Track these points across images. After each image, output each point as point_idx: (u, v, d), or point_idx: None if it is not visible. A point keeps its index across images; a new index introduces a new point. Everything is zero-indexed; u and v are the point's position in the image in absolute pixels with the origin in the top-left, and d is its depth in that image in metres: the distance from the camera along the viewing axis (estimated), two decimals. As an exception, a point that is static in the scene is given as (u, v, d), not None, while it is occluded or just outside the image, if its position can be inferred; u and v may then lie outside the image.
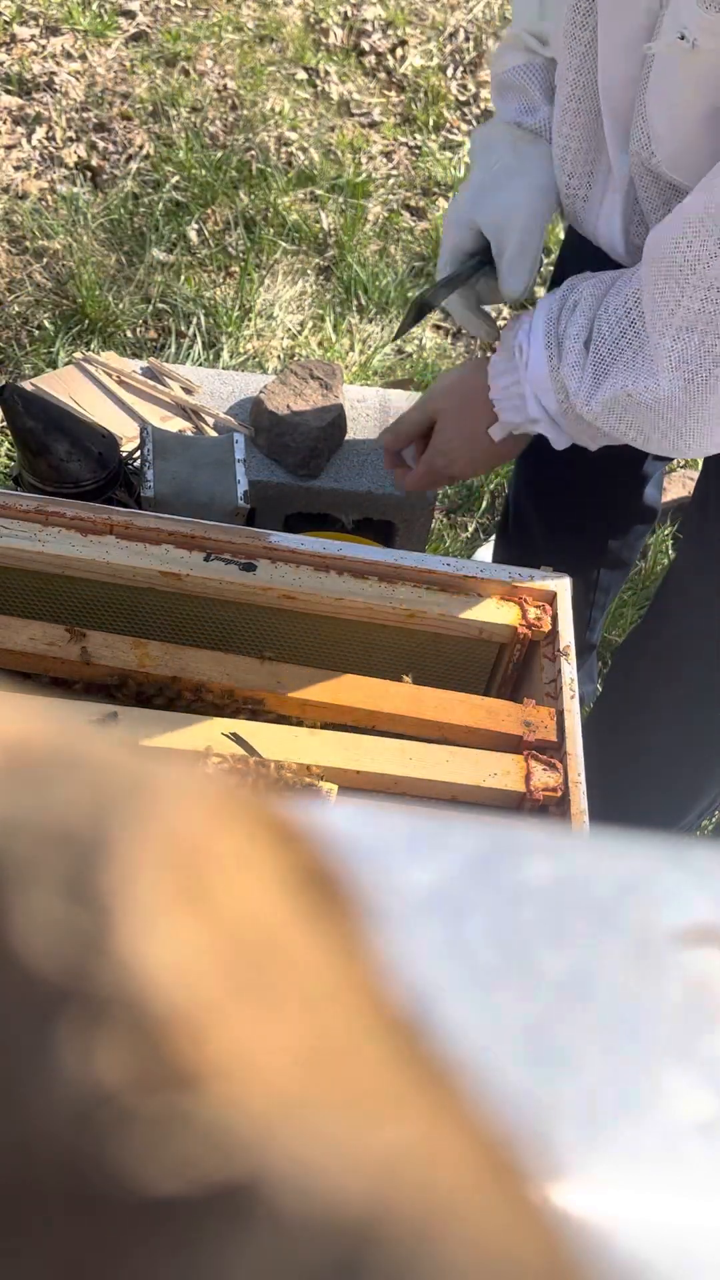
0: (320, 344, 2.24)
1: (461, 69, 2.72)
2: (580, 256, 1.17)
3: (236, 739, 0.90)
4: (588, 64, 1.01)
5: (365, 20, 2.76)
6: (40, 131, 2.48)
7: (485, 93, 2.64)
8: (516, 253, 1.10)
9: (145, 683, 0.96)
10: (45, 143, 2.47)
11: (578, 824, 0.92)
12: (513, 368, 1.09)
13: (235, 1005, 0.18)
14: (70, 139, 2.49)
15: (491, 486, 2.13)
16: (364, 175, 2.48)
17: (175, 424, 1.66)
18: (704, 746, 1.41)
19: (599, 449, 1.19)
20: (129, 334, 2.20)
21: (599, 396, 1.03)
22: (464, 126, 2.65)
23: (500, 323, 1.21)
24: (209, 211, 2.39)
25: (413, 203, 2.49)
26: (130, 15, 2.73)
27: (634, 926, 0.34)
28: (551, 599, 1.04)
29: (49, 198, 2.37)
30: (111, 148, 2.49)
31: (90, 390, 1.71)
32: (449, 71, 2.71)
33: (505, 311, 2.12)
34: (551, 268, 1.45)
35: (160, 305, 2.24)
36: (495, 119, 1.16)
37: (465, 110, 2.67)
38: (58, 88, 2.57)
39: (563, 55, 1.04)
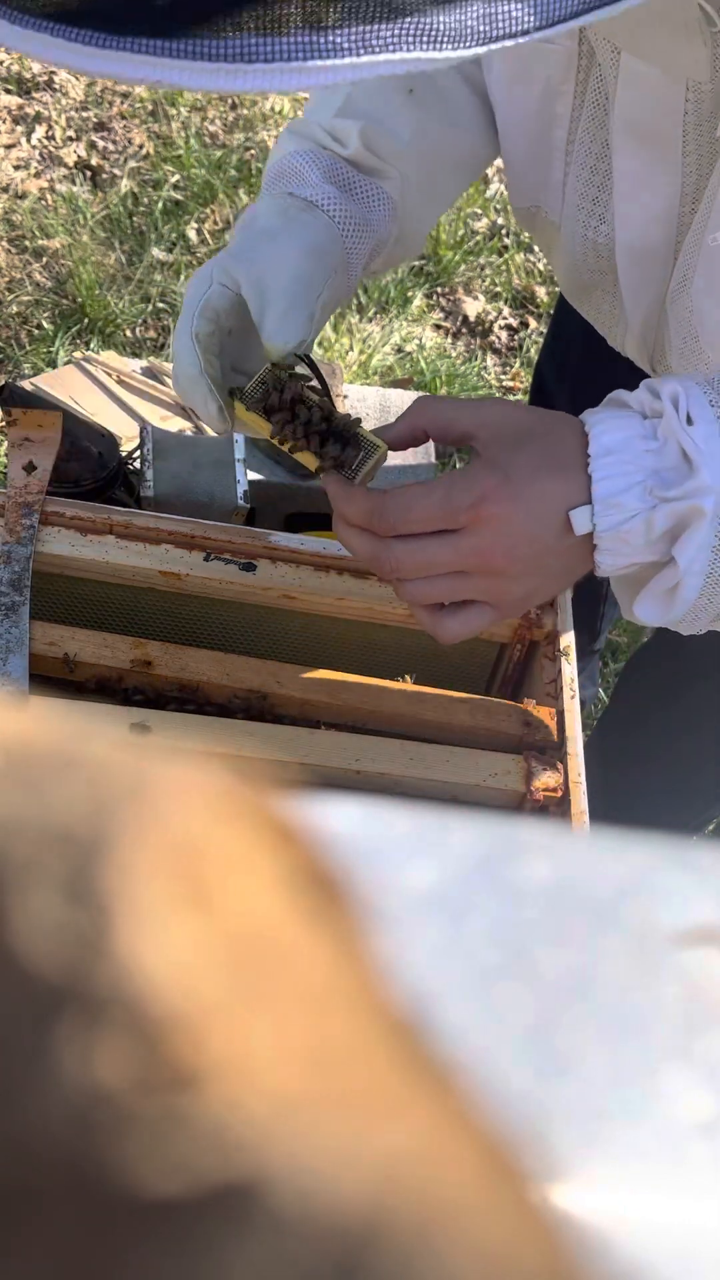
0: (320, 344, 2.24)
1: (461, 68, 2.72)
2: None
3: (306, 361, 0.84)
4: (604, 230, 0.94)
5: None
6: (40, 131, 2.48)
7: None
8: (286, 307, 0.84)
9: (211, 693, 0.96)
10: (45, 142, 2.47)
11: (578, 824, 0.92)
12: (647, 429, 0.76)
13: (235, 1006, 0.18)
14: (70, 138, 2.49)
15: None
16: (364, 175, 2.48)
17: (175, 424, 1.66)
18: (716, 761, 1.40)
19: None
20: (128, 333, 2.20)
21: None
22: (464, 126, 2.65)
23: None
24: (209, 211, 2.39)
25: (413, 202, 2.49)
26: (130, 15, 2.73)
27: (634, 926, 0.34)
28: (552, 599, 1.04)
29: (49, 197, 2.37)
30: (111, 147, 2.49)
31: (90, 390, 1.71)
32: (449, 71, 2.71)
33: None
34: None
35: (160, 305, 2.24)
36: (261, 197, 0.94)
37: (465, 110, 2.67)
38: (57, 87, 2.56)
39: (572, 214, 0.96)
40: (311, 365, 0.84)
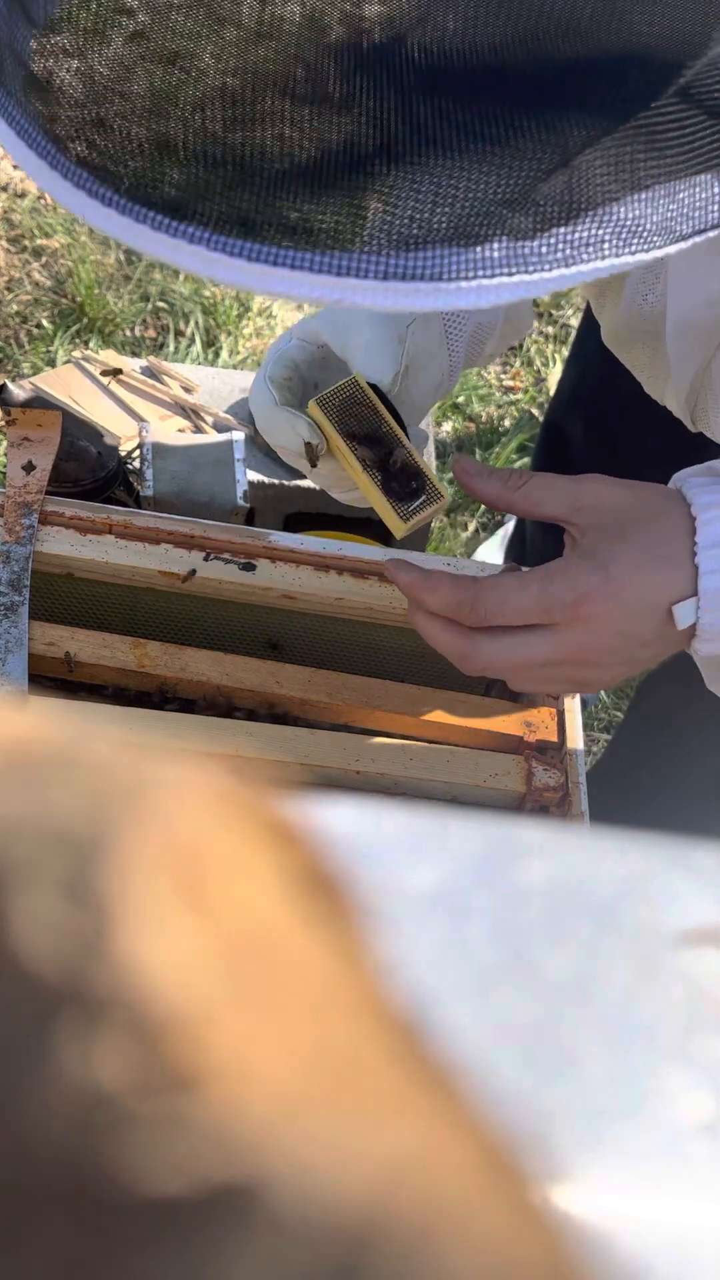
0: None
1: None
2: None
3: (385, 402, 0.81)
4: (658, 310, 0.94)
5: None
6: (40, 131, 2.48)
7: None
8: (372, 337, 0.82)
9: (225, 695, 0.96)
10: (45, 142, 2.47)
11: (578, 825, 0.92)
12: None
13: (235, 1007, 0.18)
14: (70, 138, 2.49)
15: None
16: (363, 175, 2.48)
17: (175, 423, 1.66)
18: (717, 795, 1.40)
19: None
20: (128, 332, 2.20)
21: None
22: (463, 126, 2.64)
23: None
24: (208, 211, 2.39)
25: (412, 202, 2.48)
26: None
27: (635, 927, 0.34)
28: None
29: (48, 196, 2.37)
30: (111, 147, 2.49)
31: (89, 389, 1.71)
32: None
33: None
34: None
35: (159, 304, 2.24)
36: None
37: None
38: (57, 87, 2.57)
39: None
40: (389, 404, 0.81)
